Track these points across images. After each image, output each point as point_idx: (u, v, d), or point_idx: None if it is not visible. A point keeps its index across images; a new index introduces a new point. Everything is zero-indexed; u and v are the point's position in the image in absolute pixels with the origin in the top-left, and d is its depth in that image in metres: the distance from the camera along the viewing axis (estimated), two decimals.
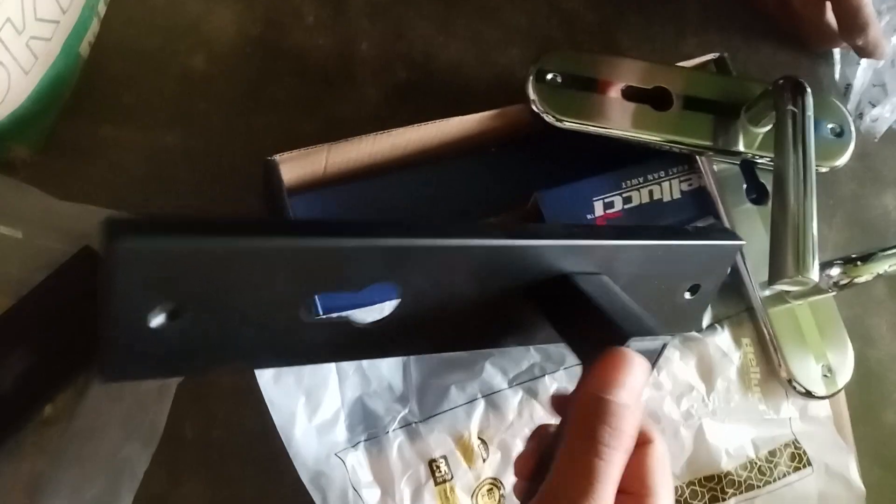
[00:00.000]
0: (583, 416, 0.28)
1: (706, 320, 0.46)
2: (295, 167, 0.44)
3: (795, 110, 0.45)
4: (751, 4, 0.61)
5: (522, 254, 0.33)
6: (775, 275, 0.42)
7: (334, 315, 0.34)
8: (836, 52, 0.61)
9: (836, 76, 0.61)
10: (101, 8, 0.49)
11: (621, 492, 0.28)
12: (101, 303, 0.25)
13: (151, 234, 0.24)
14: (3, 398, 0.43)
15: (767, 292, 0.46)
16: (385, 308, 0.35)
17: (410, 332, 0.33)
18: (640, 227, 0.33)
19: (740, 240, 0.42)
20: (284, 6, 0.55)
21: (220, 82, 0.52)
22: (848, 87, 0.60)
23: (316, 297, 0.36)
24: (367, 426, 0.41)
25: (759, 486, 0.44)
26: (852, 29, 0.54)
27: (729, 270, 0.43)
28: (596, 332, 0.31)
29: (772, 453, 0.45)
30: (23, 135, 0.45)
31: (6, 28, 0.39)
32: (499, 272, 0.33)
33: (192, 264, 0.25)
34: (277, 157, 0.43)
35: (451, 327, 0.34)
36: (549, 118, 0.45)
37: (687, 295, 0.41)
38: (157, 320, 0.26)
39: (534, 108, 0.46)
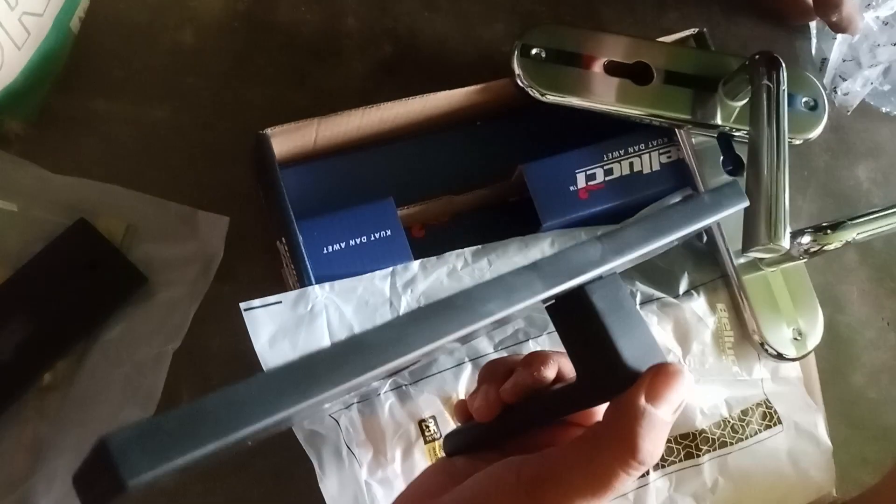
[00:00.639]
0: (626, 422, 0.26)
1: (683, 286, 0.48)
2: (286, 140, 0.45)
3: (770, 85, 0.46)
4: None
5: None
6: (749, 242, 0.44)
7: None
8: (813, 25, 0.62)
9: (813, 50, 0.63)
10: None
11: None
12: None
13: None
14: (4, 366, 0.44)
15: (742, 260, 0.48)
16: None
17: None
18: (661, 217, 0.30)
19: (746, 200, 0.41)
20: None
21: (209, 56, 0.53)
22: (824, 61, 0.62)
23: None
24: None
25: (731, 444, 0.47)
26: (827, 5, 0.56)
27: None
28: (601, 361, 0.28)
29: (744, 412, 0.48)
30: (16, 109, 0.46)
31: (0, 5, 0.39)
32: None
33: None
34: (269, 131, 0.44)
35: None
36: (533, 92, 0.47)
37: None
38: None
39: (518, 82, 0.47)
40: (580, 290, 0.28)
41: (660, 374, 0.26)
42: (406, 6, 0.58)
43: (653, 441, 0.25)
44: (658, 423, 0.25)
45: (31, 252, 0.46)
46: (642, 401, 0.25)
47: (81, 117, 0.50)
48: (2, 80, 0.43)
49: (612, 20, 0.60)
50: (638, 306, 0.47)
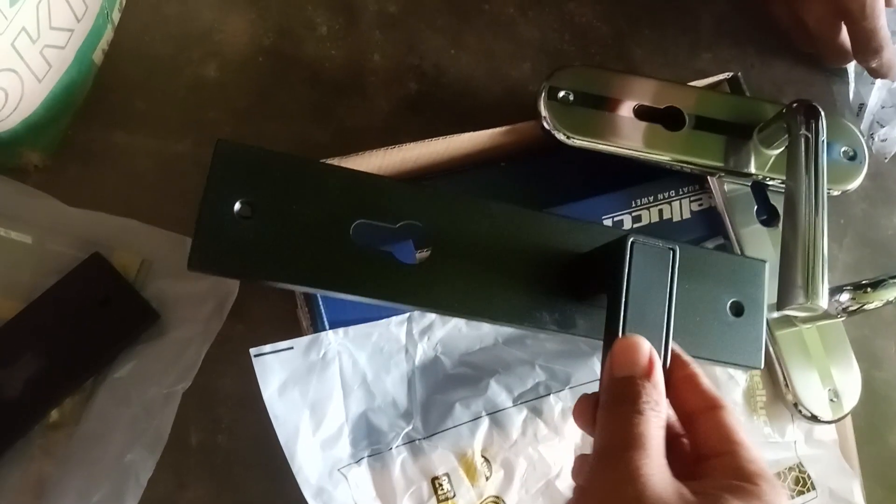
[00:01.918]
0: (608, 397, 0.30)
1: None
2: None
3: (808, 135, 0.44)
4: (768, 19, 0.60)
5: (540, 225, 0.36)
6: (784, 301, 0.42)
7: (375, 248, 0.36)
8: (851, 69, 0.60)
9: (851, 95, 0.61)
10: (116, 15, 0.49)
11: (711, 457, 0.30)
12: (203, 197, 0.33)
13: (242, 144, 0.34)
14: (12, 402, 0.43)
15: (775, 315, 0.46)
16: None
17: (441, 284, 0.35)
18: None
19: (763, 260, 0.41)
20: (297, 16, 0.55)
21: (232, 91, 0.53)
22: (861, 106, 0.60)
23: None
24: (370, 442, 0.41)
25: None
26: (867, 51, 0.54)
27: (765, 291, 0.41)
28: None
29: (777, 475, 0.45)
30: (35, 140, 0.46)
31: (21, 37, 0.39)
32: (523, 240, 0.37)
33: (268, 169, 0.34)
34: None
35: (480, 288, 0.36)
36: (559, 136, 0.45)
37: (730, 313, 0.40)
38: (237, 207, 0.33)
39: (545, 125, 0.46)
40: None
41: (613, 353, 0.31)
42: (432, 44, 0.57)
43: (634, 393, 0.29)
44: (632, 383, 0.30)
45: (44, 285, 0.45)
46: (609, 377, 0.31)
47: (101, 150, 0.49)
48: (21, 112, 0.43)
49: (644, 61, 0.59)
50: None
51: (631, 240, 0.33)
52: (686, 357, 0.33)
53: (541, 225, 0.38)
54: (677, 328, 0.34)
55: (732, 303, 0.40)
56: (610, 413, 0.30)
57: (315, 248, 0.34)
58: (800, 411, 0.46)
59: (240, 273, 0.35)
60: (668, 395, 0.31)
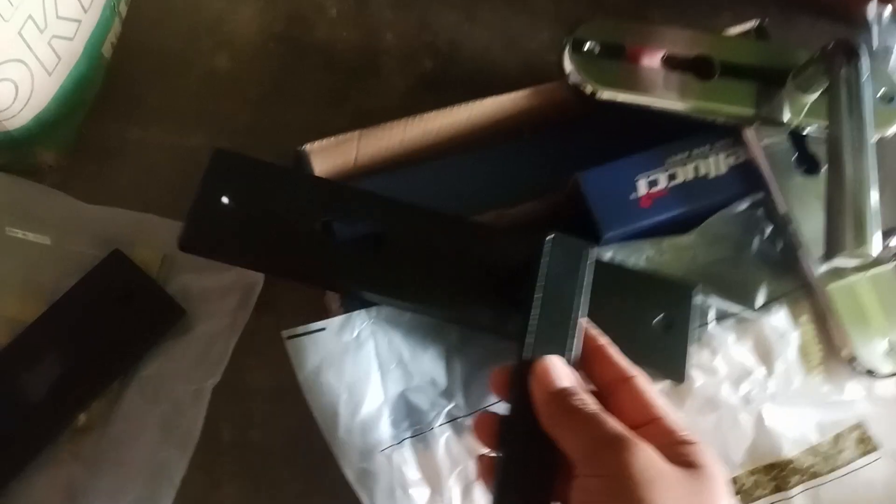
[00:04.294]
0: (552, 411, 0.31)
1: (760, 299, 0.44)
2: (326, 158, 0.43)
3: (850, 74, 0.42)
4: None
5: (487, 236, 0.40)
6: (832, 249, 0.40)
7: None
8: (875, 16, 0.58)
9: (875, 43, 0.59)
10: (123, 8, 0.49)
11: (636, 428, 0.30)
12: (196, 190, 0.38)
13: (235, 152, 0.40)
14: (38, 407, 0.42)
15: (824, 267, 0.44)
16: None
17: (392, 278, 0.39)
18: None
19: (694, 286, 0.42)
20: (306, 1, 0.54)
21: (245, 80, 0.51)
22: (886, 51, 0.58)
23: None
24: (412, 422, 0.39)
25: (824, 474, 0.42)
26: None
27: (692, 310, 0.41)
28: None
29: (837, 438, 0.43)
30: (49, 138, 0.45)
31: (28, 25, 0.38)
32: (468, 246, 0.40)
33: (253, 174, 0.39)
34: (308, 147, 0.42)
35: (426, 285, 0.39)
36: (587, 89, 0.43)
37: (658, 328, 0.41)
38: (224, 201, 0.38)
39: (571, 79, 0.44)
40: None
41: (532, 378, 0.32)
42: (445, 20, 0.55)
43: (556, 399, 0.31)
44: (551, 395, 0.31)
45: (65, 286, 0.44)
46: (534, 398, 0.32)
47: (116, 146, 0.48)
48: (33, 107, 0.42)
49: (663, 23, 0.57)
50: (713, 323, 0.43)
51: (552, 235, 0.36)
52: (595, 330, 0.35)
53: (487, 235, 0.41)
54: (606, 335, 0.37)
55: (662, 318, 0.41)
56: (568, 425, 0.31)
57: (286, 239, 0.39)
58: (856, 367, 0.43)
59: (220, 254, 0.39)
60: (586, 366, 0.34)
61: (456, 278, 0.40)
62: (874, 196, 0.40)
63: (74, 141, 0.47)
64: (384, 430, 0.38)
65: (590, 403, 0.31)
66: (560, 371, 0.32)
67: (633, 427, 0.30)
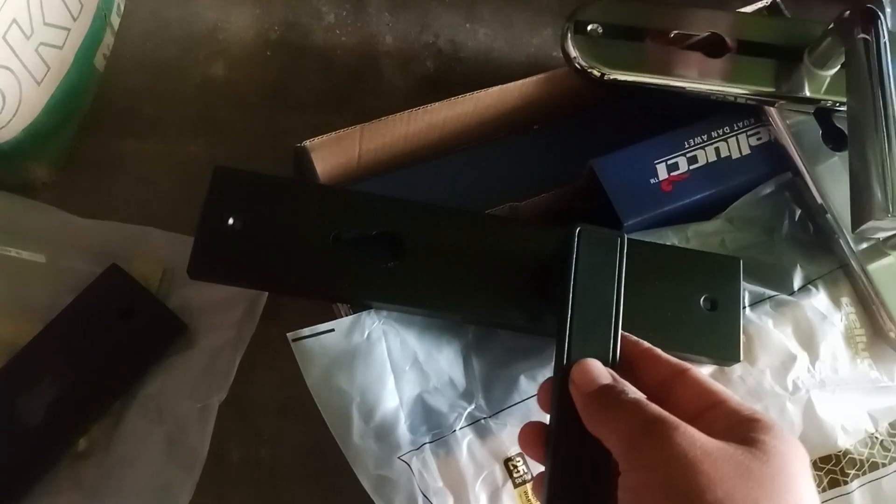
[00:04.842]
0: (595, 407, 0.30)
1: (798, 281, 0.41)
2: (327, 154, 0.41)
3: (868, 38, 0.40)
4: None
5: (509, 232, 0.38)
6: (859, 217, 0.38)
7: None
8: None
9: (889, 21, 0.57)
10: (115, 20, 0.47)
11: (698, 416, 0.28)
12: (200, 214, 0.36)
13: (236, 169, 0.37)
14: (35, 433, 0.40)
15: (863, 245, 0.41)
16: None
17: (415, 285, 0.37)
18: None
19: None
20: (303, 7, 0.53)
21: (243, 87, 0.50)
22: None
23: None
24: (430, 426, 0.36)
25: (884, 465, 0.39)
26: None
27: (741, 289, 0.39)
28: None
29: (893, 426, 0.39)
30: (41, 152, 0.43)
31: (13, 30, 0.37)
32: (492, 244, 0.38)
33: (258, 189, 0.37)
34: (308, 144, 0.40)
35: (452, 288, 0.37)
36: (594, 72, 0.41)
37: (705, 308, 0.38)
38: (231, 222, 0.36)
39: (575, 64, 0.42)
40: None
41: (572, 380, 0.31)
42: (446, 20, 0.54)
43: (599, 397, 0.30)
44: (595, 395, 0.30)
45: (61, 305, 0.42)
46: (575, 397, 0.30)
47: (111, 159, 0.47)
48: (23, 118, 0.40)
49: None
50: (748, 308, 0.40)
51: (578, 228, 0.34)
52: (633, 337, 0.33)
53: (509, 230, 0.39)
54: (649, 323, 0.36)
55: (706, 298, 0.38)
56: (610, 417, 0.29)
57: (298, 257, 0.37)
58: None
59: (232, 279, 0.38)
60: (633, 373, 0.32)
61: (482, 278, 0.37)
62: None
63: (67, 155, 0.45)
64: (402, 434, 0.35)
65: (629, 392, 0.29)
66: (598, 371, 0.31)
67: (695, 416, 0.28)
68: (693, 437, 0.26)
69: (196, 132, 0.48)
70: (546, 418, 0.32)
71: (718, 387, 0.30)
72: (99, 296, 0.42)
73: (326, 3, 0.53)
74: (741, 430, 0.27)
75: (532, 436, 0.32)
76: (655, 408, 0.28)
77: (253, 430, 0.42)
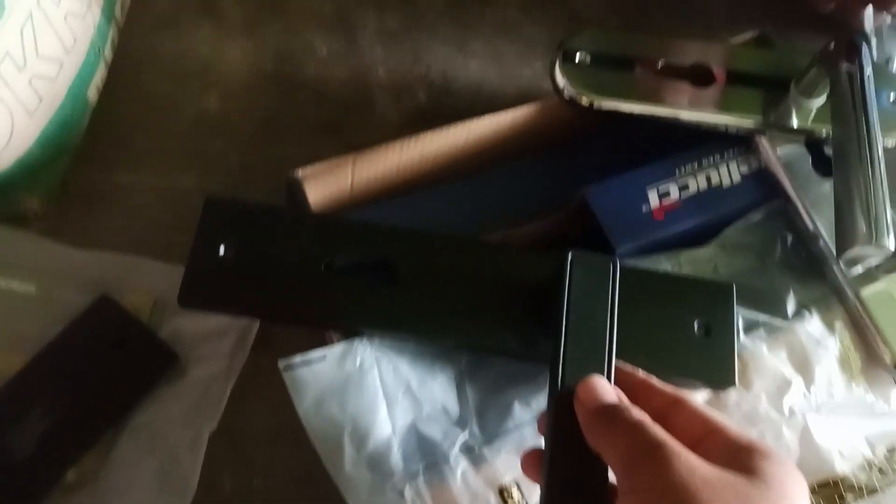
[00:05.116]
0: (597, 425, 0.29)
1: (791, 307, 0.41)
2: (320, 184, 0.41)
3: (852, 69, 0.41)
4: None
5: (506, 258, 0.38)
6: (844, 245, 0.38)
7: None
8: (870, 29, 0.57)
9: (875, 53, 0.58)
10: (108, 53, 0.48)
11: (696, 444, 0.28)
12: (193, 242, 0.37)
13: (227, 198, 0.38)
14: (23, 465, 0.39)
15: (856, 270, 0.41)
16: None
17: (409, 311, 0.37)
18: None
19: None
20: (296, 41, 0.53)
21: (236, 119, 0.50)
22: (888, 61, 0.57)
23: None
24: (424, 454, 0.36)
25: (882, 490, 0.38)
26: None
27: (735, 314, 0.39)
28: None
29: (891, 450, 0.39)
30: (33, 184, 0.43)
31: (6, 62, 0.37)
32: (486, 269, 0.38)
33: (250, 218, 0.37)
34: (300, 173, 0.40)
35: (446, 313, 0.37)
36: (583, 101, 0.42)
37: (698, 333, 0.38)
38: (222, 250, 0.37)
39: (566, 93, 0.42)
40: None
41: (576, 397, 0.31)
42: (438, 52, 0.55)
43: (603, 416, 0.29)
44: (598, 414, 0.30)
45: (51, 336, 0.41)
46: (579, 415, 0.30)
47: (104, 191, 0.47)
48: (14, 150, 0.40)
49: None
50: (742, 333, 0.40)
51: (570, 254, 0.35)
52: (628, 366, 0.33)
53: (502, 255, 0.39)
54: (643, 348, 0.36)
55: (700, 323, 0.38)
56: (612, 436, 0.29)
57: (290, 284, 0.37)
58: None
59: (223, 307, 0.38)
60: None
61: (475, 304, 0.37)
62: (884, 190, 0.38)
63: (60, 187, 0.45)
64: (395, 463, 0.35)
65: (634, 413, 0.29)
66: (605, 388, 0.31)
67: (693, 444, 0.28)
68: (693, 465, 0.26)
69: (189, 164, 0.48)
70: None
71: (715, 415, 0.30)
72: (89, 326, 0.42)
73: (320, 36, 0.54)
74: (740, 457, 0.27)
75: (535, 460, 0.32)
76: (659, 431, 0.28)
77: (245, 460, 0.41)
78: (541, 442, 0.32)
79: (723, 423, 0.29)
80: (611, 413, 0.29)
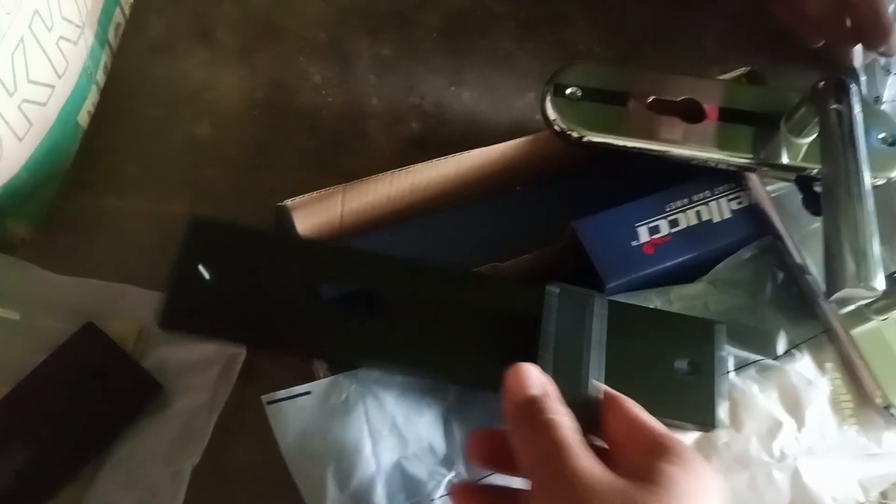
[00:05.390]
0: (517, 420, 0.30)
1: (781, 346, 0.41)
2: (309, 214, 0.41)
3: (841, 109, 0.41)
4: (770, 29, 0.59)
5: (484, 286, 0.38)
6: (833, 286, 0.38)
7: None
8: (859, 65, 0.58)
9: (864, 89, 0.58)
10: (100, 77, 0.48)
11: (624, 445, 0.29)
12: (174, 263, 0.36)
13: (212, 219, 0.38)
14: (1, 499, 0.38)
15: (847, 309, 0.41)
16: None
17: (393, 343, 0.36)
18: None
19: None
20: (289, 68, 0.54)
21: (228, 146, 0.50)
22: (877, 99, 0.57)
23: None
24: (408, 494, 0.35)
25: None
26: (873, 37, 0.52)
27: (722, 350, 0.38)
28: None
29: (884, 495, 0.39)
30: (21, 210, 0.43)
31: None
32: (475, 302, 0.38)
33: (234, 241, 0.37)
34: (289, 203, 0.40)
35: (432, 347, 0.37)
36: (573, 134, 0.42)
37: (681, 372, 0.38)
38: (206, 271, 0.36)
39: (555, 126, 0.42)
40: None
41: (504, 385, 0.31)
42: (431, 83, 0.55)
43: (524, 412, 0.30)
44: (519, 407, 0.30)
45: (34, 364, 0.41)
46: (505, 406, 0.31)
47: (92, 217, 0.46)
48: (2, 175, 0.40)
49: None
50: (733, 373, 0.40)
51: (554, 288, 0.35)
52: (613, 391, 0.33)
53: (490, 287, 0.39)
54: (627, 385, 0.35)
55: (687, 362, 0.38)
56: (524, 433, 0.29)
57: (274, 310, 0.36)
58: (892, 414, 0.40)
59: (205, 331, 0.38)
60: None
61: (459, 336, 0.37)
62: (873, 229, 0.38)
63: (48, 213, 0.45)
64: (378, 502, 0.34)
65: (548, 412, 0.29)
66: (533, 379, 0.31)
67: (620, 445, 0.30)
68: (587, 471, 0.27)
69: (179, 191, 0.48)
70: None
71: (643, 414, 0.30)
72: (72, 355, 0.41)
73: (313, 64, 0.54)
74: (647, 460, 0.28)
75: (482, 444, 0.32)
76: (564, 434, 0.28)
77: (227, 497, 0.41)
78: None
79: (645, 423, 0.30)
80: (528, 408, 0.29)
